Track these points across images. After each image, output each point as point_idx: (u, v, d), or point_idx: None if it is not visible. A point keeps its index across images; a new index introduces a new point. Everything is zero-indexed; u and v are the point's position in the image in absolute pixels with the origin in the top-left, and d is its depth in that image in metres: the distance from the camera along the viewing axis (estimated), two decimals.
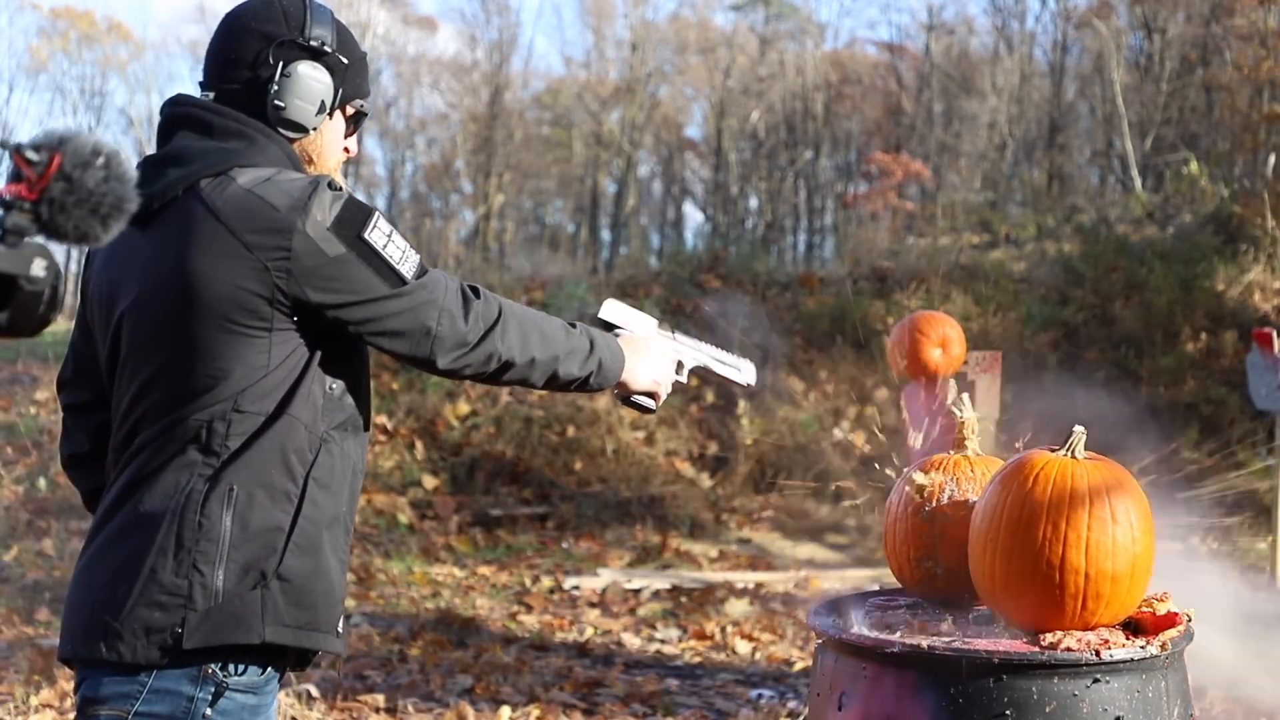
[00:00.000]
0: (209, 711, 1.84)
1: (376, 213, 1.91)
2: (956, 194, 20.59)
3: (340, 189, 1.91)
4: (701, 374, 2.39)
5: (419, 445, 9.24)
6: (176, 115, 1.97)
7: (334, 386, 1.95)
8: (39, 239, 1.18)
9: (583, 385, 2.09)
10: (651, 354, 2.22)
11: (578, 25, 48.09)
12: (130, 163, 1.23)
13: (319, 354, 1.92)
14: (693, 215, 33.59)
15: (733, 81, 28.10)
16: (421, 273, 1.92)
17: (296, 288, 1.84)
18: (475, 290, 1.97)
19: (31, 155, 1.15)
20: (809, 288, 11.56)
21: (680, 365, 2.33)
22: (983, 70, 25.59)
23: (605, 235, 29.35)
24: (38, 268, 1.18)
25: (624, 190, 28.41)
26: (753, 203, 28.85)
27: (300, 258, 1.83)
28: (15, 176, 1.16)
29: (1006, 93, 23.59)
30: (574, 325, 2.08)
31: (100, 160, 1.20)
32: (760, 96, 27.75)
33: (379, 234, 1.88)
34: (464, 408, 9.60)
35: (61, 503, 7.71)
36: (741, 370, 2.43)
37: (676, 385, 2.32)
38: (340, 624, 1.98)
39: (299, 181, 1.88)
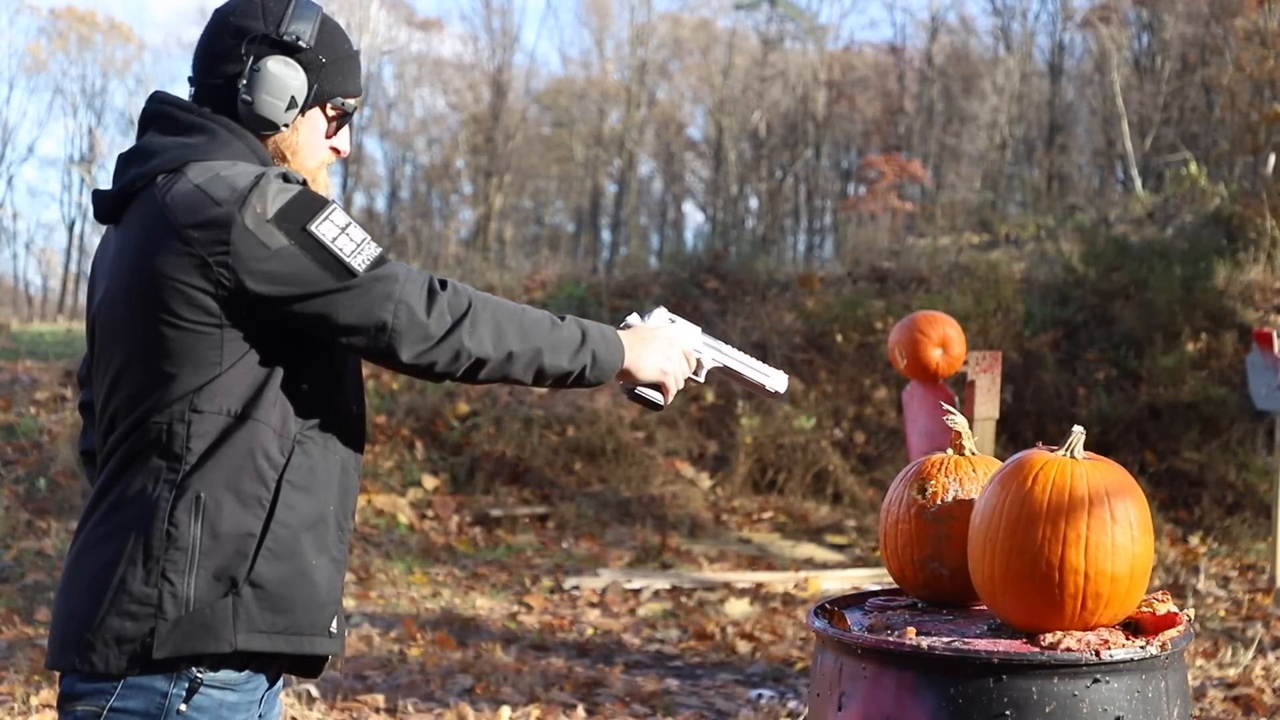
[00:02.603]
0: (183, 707, 1.83)
1: (331, 205, 1.86)
2: (956, 194, 20.60)
3: (296, 180, 1.88)
4: (724, 377, 2.25)
5: (419, 445, 9.23)
6: (150, 113, 1.99)
7: (305, 386, 1.91)
8: None
9: (579, 379, 1.99)
10: (659, 344, 2.10)
11: (577, 25, 48.07)
12: None
13: (284, 354, 1.88)
14: (693, 215, 33.66)
15: (733, 81, 28.10)
16: (377, 264, 1.84)
17: (239, 281, 1.81)
18: (444, 283, 1.88)
19: None
20: (809, 288, 11.56)
21: (699, 365, 2.22)
22: (983, 70, 25.60)
23: (605, 235, 29.37)
24: None
25: (624, 190, 28.41)
26: (753, 203, 28.88)
27: (240, 251, 1.80)
28: None
29: (1007, 93, 23.59)
30: (562, 318, 1.99)
31: None
32: (760, 96, 27.75)
33: (330, 226, 1.83)
34: (464, 408, 9.59)
35: (62, 503, 7.71)
36: (770, 377, 2.27)
37: (691, 384, 2.20)
38: (333, 624, 1.95)
39: (246, 174, 1.85)
